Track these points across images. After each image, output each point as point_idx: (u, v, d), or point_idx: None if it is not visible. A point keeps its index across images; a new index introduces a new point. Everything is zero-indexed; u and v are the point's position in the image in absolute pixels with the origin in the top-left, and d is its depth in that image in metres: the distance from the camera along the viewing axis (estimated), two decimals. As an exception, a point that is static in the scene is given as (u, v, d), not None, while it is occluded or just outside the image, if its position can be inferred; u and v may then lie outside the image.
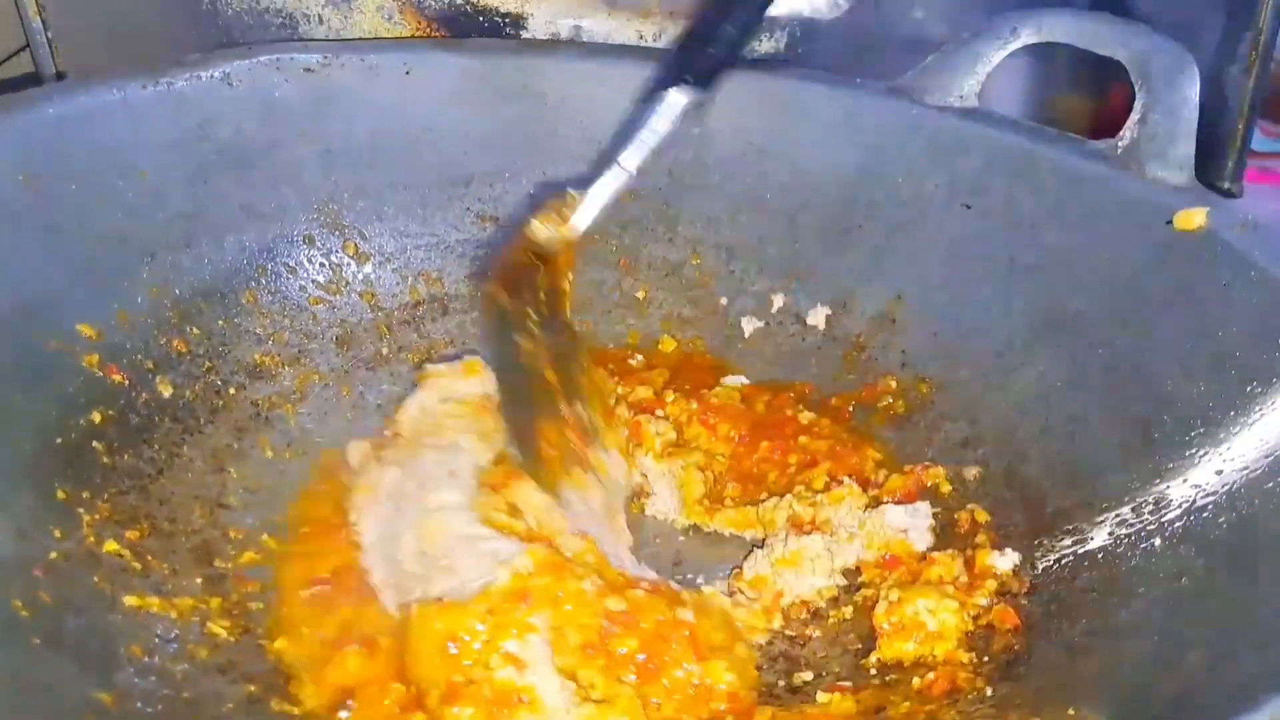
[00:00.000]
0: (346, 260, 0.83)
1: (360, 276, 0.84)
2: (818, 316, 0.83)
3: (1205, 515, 0.55)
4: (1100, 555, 0.59)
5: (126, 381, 0.69)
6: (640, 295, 0.88)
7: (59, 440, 0.64)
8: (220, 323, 0.76)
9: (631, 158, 0.72)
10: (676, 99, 0.72)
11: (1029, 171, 0.77)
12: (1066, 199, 0.74)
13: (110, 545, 0.60)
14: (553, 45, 0.93)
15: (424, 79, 0.86)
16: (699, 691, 0.56)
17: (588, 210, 0.72)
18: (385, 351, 0.82)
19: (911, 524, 0.69)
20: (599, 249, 0.87)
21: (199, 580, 0.62)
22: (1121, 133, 0.74)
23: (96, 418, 0.67)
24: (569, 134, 0.87)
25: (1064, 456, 0.67)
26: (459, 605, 0.57)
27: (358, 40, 0.88)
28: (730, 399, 0.80)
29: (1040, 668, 0.53)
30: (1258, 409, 0.58)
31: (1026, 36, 0.80)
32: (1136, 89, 0.74)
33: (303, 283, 0.81)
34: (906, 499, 0.71)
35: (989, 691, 0.53)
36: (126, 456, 0.67)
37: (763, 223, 0.86)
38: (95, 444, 0.66)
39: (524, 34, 0.93)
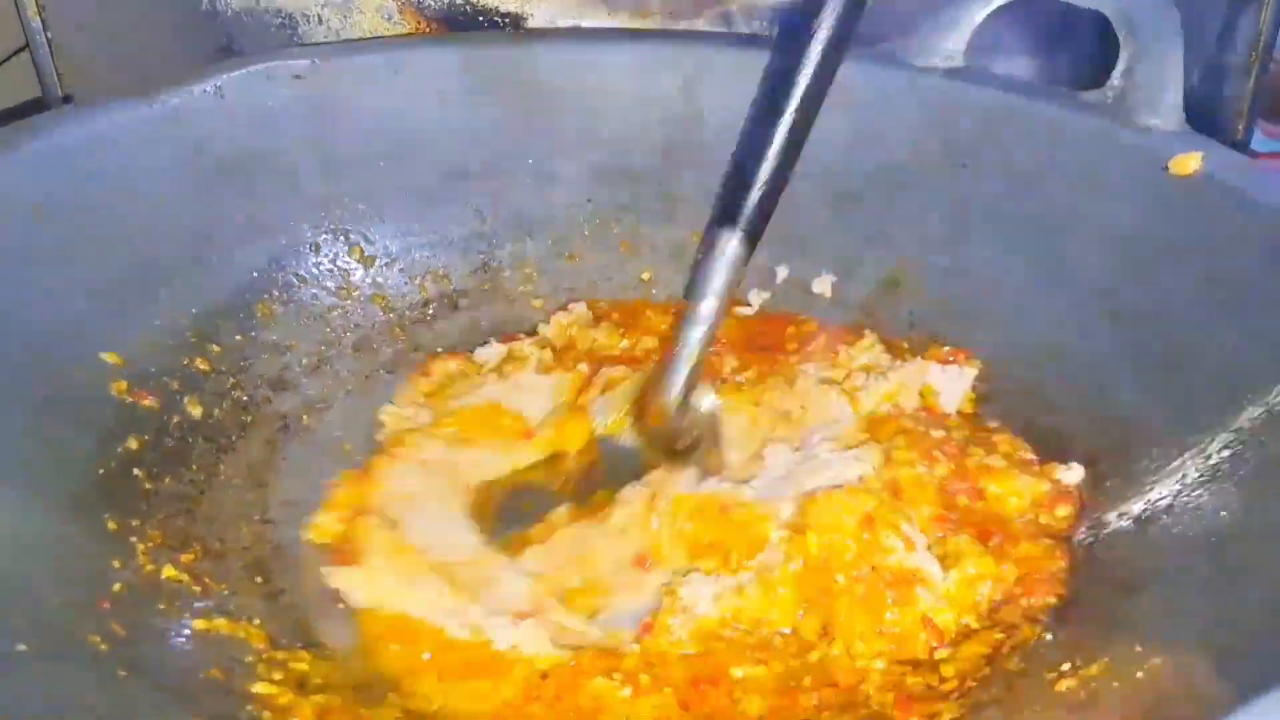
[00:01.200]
0: (354, 264, 0.84)
1: (369, 280, 0.84)
2: (823, 285, 0.85)
3: (1239, 454, 0.57)
4: (1136, 499, 0.61)
5: (157, 405, 0.69)
6: (645, 277, 0.89)
7: (100, 471, 0.64)
8: (239, 338, 0.76)
9: (708, 307, 0.71)
10: (736, 251, 0.71)
11: (1023, 128, 0.78)
12: (1062, 152, 0.76)
13: (168, 570, 0.61)
14: (544, 33, 0.93)
15: (414, 76, 0.86)
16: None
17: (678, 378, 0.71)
18: (403, 352, 0.82)
19: (947, 386, 0.73)
20: (600, 235, 0.88)
21: (259, 600, 0.62)
22: (1109, 84, 0.76)
23: (134, 444, 0.67)
24: (566, 123, 0.88)
25: (1088, 406, 0.69)
26: (853, 491, 0.63)
27: (346, 42, 0.87)
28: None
29: (1092, 611, 0.55)
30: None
31: (1009, -7, 0.81)
32: (1121, 40, 0.76)
33: (314, 291, 0.81)
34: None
35: (1048, 637, 0.55)
36: (168, 480, 0.67)
37: (761, 196, 0.87)
38: (136, 471, 0.66)
39: None
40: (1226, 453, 0.58)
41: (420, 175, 0.87)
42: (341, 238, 0.84)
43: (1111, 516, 0.61)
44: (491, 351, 0.82)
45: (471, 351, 0.82)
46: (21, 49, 0.95)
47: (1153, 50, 0.74)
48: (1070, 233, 0.74)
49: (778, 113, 0.69)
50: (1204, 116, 0.73)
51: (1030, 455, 0.69)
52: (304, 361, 0.79)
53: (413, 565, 0.63)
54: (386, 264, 0.85)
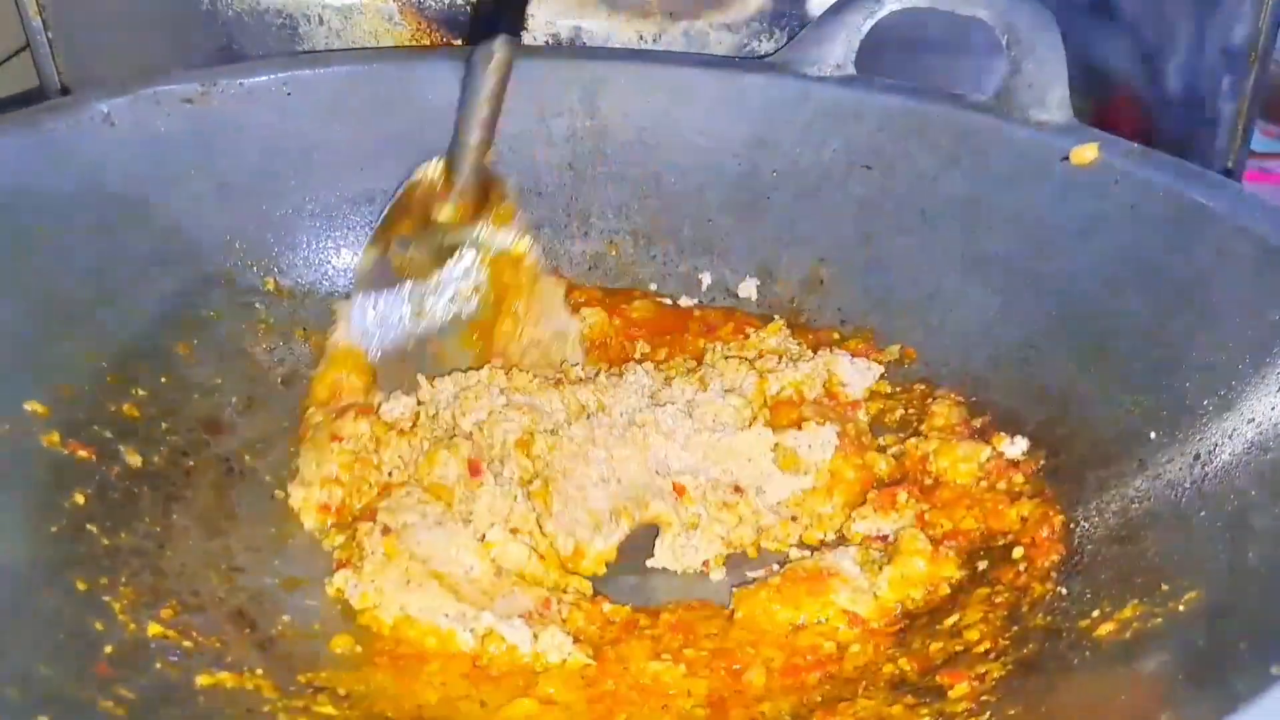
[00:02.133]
0: (269, 296, 0.79)
1: (287, 311, 0.80)
2: (748, 288, 0.87)
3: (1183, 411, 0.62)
4: (1099, 467, 0.65)
5: (93, 456, 0.64)
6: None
7: (53, 529, 0.59)
8: (163, 380, 0.71)
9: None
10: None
11: (920, 129, 0.83)
12: (961, 151, 0.81)
13: (153, 628, 0.56)
14: (425, 51, 0.92)
15: (305, 98, 0.83)
16: None
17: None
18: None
19: (854, 379, 0.77)
20: (514, 252, 0.87)
21: (254, 650, 0.58)
22: (998, 86, 0.82)
23: (80, 499, 0.61)
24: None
25: (1023, 380, 0.74)
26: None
27: (232, 65, 0.83)
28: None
29: (1098, 561, 0.59)
30: (1193, 311, 0.67)
31: (891, 4, 0.86)
32: (1003, 43, 0.82)
33: (231, 326, 0.77)
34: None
35: (1063, 591, 0.58)
36: (123, 535, 0.61)
37: (672, 205, 0.88)
38: (89, 526, 0.60)
39: (524, 35, 0.91)
40: (1169, 413, 0.64)
41: (323, 200, 0.84)
42: (253, 268, 0.79)
43: (1081, 486, 0.65)
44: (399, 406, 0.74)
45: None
46: (22, 49, 0.95)
47: (1036, 51, 0.80)
48: (980, 222, 0.79)
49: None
50: (1204, 117, 0.78)
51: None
52: (234, 401, 0.74)
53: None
54: (303, 294, 0.81)
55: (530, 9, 0.92)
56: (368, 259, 0.78)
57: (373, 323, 0.77)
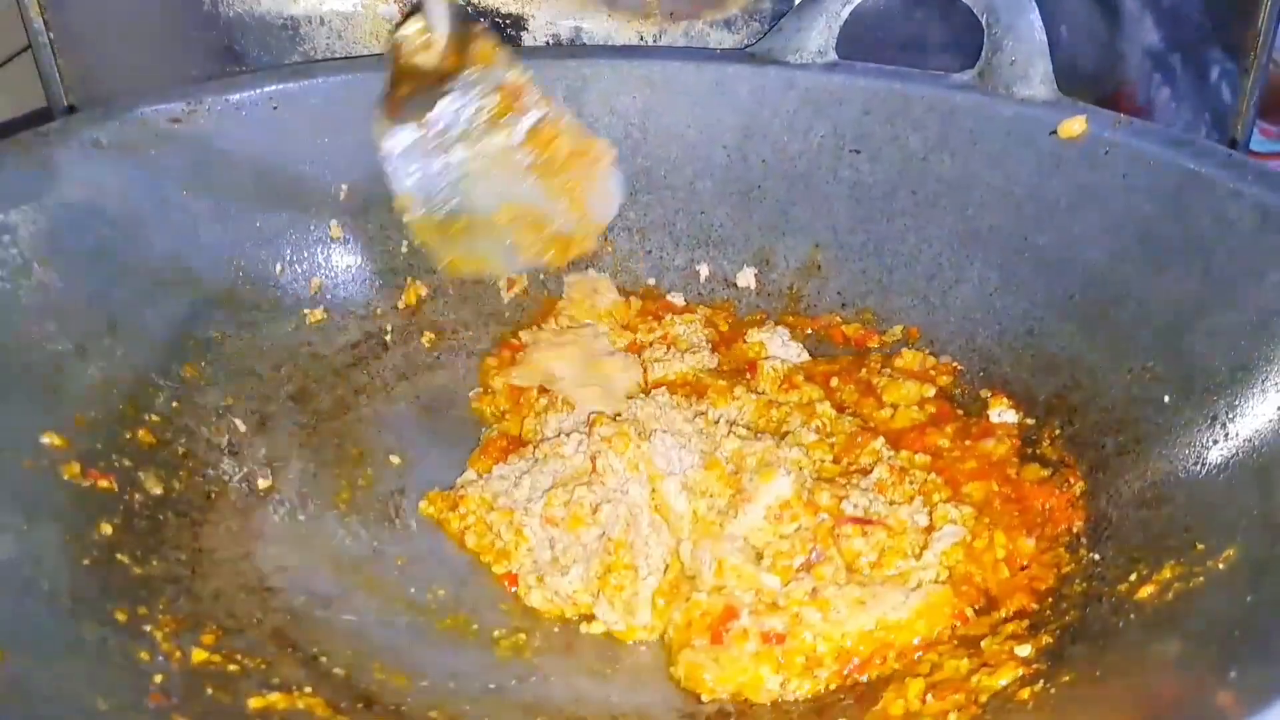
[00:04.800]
0: (271, 314, 0.79)
1: (290, 328, 0.79)
2: (746, 278, 0.87)
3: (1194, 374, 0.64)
4: (1110, 434, 0.66)
5: (114, 485, 0.63)
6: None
7: (86, 562, 0.58)
8: (175, 404, 0.70)
9: None
10: None
11: (905, 111, 0.84)
12: (948, 130, 0.82)
13: (198, 655, 0.55)
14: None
15: (292, 110, 0.82)
16: None
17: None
18: (342, 398, 0.78)
19: (782, 353, 0.80)
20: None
21: (300, 669, 0.58)
22: (979, 64, 0.83)
23: (107, 530, 0.60)
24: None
25: (1030, 352, 0.75)
26: None
27: (218, 80, 0.82)
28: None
29: (1124, 527, 0.60)
30: (1195, 276, 0.68)
31: (868, -10, 0.87)
32: (984, 22, 0.83)
33: (236, 346, 0.76)
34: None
35: (1096, 557, 0.60)
36: (155, 562, 0.61)
37: (665, 199, 0.89)
38: (120, 556, 0.60)
39: (524, 35, 0.91)
40: (1181, 376, 0.65)
41: (318, 213, 0.83)
42: (252, 286, 0.78)
43: (1101, 452, 0.66)
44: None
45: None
46: (23, 50, 0.95)
47: (1016, 28, 0.82)
48: (973, 199, 0.80)
49: None
50: (1203, 116, 0.79)
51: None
52: (247, 420, 0.73)
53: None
54: (306, 309, 0.80)
55: (530, 8, 0.92)
56: (382, 130, 0.73)
57: (417, 184, 0.73)
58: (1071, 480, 0.65)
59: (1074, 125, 0.76)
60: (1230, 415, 0.60)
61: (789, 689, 0.57)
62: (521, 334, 0.83)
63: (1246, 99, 0.93)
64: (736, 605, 0.59)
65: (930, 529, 0.63)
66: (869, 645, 0.58)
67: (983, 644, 0.56)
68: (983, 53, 0.83)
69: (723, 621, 0.59)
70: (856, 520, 0.63)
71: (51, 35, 0.90)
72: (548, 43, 0.94)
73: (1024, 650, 0.54)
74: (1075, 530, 0.62)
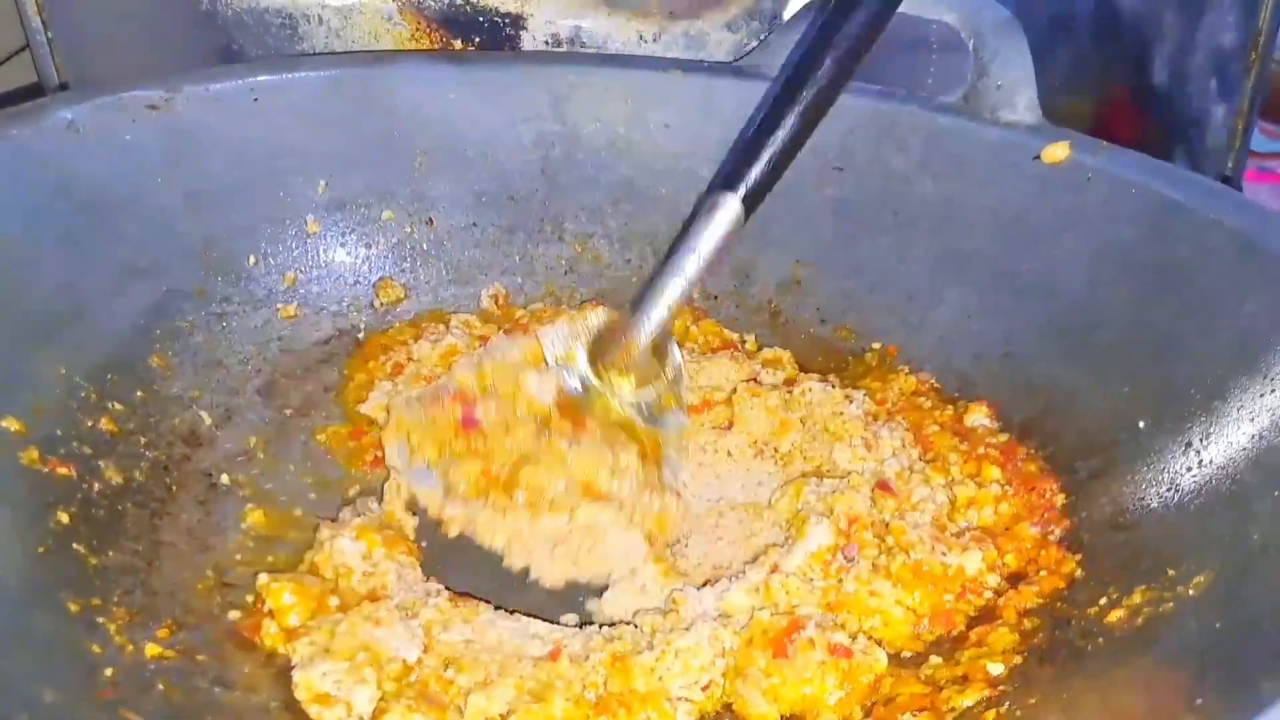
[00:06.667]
0: (242, 306, 0.77)
1: (261, 322, 0.78)
2: (726, 289, 0.87)
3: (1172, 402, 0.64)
4: (1088, 457, 0.66)
5: (73, 473, 0.62)
6: (543, 293, 0.88)
7: (40, 549, 0.56)
8: (139, 393, 0.69)
9: (688, 262, 0.67)
10: (727, 212, 0.68)
11: (890, 131, 0.84)
12: (931, 152, 0.82)
13: (151, 649, 0.54)
14: (396, 55, 0.90)
15: (272, 103, 0.81)
16: None
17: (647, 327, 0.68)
18: (311, 394, 0.77)
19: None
20: (488, 260, 0.87)
21: (257, 669, 0.56)
22: (965, 87, 0.83)
23: (64, 518, 0.59)
24: (430, 145, 0.85)
25: (1008, 375, 0.75)
26: None
27: (199, 71, 0.81)
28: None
29: (1101, 549, 0.60)
30: (1173, 303, 0.68)
31: (858, 7, 0.87)
32: (970, 45, 0.83)
33: (205, 337, 0.75)
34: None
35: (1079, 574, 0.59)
36: (111, 553, 0.60)
37: (645, 208, 0.88)
38: (76, 546, 0.58)
39: (524, 34, 0.90)
40: (1157, 402, 0.65)
41: (293, 207, 0.82)
42: (224, 278, 0.77)
43: (1074, 476, 0.66)
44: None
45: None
46: (21, 49, 0.95)
47: (1002, 53, 0.82)
48: (954, 221, 0.80)
49: (795, 90, 0.68)
50: (1203, 116, 0.79)
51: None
52: (213, 413, 0.72)
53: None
54: (278, 303, 0.79)
55: (529, 8, 0.91)
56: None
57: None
58: (1050, 492, 0.65)
59: (1057, 151, 0.77)
60: (1204, 442, 0.60)
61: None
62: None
63: (1246, 99, 0.92)
64: (803, 619, 0.58)
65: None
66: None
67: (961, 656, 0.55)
68: (969, 76, 0.83)
69: (788, 633, 0.57)
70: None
71: (49, 34, 0.90)
72: (547, 42, 0.93)
73: (997, 668, 0.53)
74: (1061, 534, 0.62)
